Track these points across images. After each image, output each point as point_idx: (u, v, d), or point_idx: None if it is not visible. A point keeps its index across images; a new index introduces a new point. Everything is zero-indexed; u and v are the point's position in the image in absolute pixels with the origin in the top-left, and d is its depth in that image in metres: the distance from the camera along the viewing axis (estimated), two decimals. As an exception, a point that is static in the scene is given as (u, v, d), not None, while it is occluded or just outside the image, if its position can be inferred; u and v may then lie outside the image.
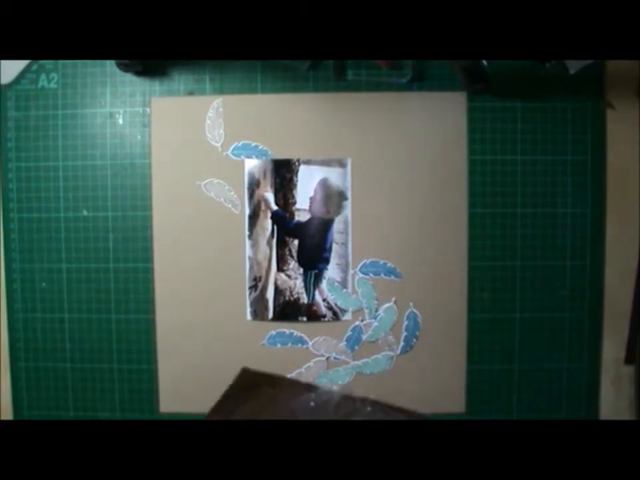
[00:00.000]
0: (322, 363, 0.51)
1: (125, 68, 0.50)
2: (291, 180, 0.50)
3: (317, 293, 0.50)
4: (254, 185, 0.51)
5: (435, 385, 0.51)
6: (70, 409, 0.52)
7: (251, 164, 0.51)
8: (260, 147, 0.51)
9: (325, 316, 0.50)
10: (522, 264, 0.50)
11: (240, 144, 0.51)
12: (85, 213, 0.52)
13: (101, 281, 0.52)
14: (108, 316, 0.52)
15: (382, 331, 0.51)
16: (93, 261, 0.52)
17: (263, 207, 0.51)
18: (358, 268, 0.51)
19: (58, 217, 0.52)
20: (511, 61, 0.49)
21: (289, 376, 0.51)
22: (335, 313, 0.51)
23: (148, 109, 0.51)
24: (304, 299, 0.50)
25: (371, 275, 0.51)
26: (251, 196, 0.51)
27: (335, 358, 0.51)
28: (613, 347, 0.51)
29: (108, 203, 0.51)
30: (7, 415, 0.53)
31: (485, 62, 0.47)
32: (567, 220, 0.50)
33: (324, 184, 0.50)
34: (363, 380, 0.51)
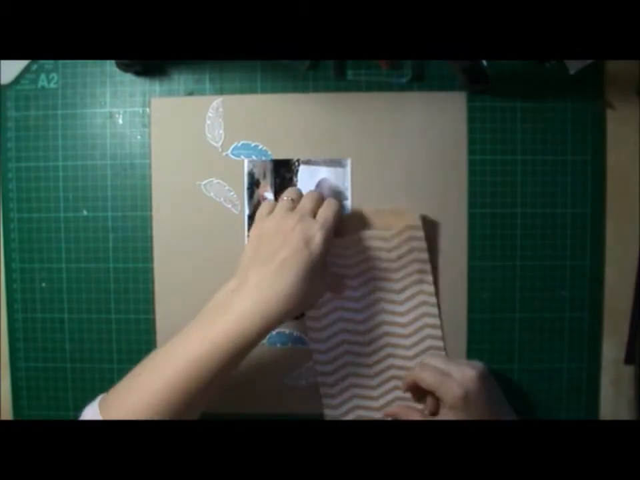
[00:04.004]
0: (322, 363, 0.51)
1: (125, 68, 0.50)
2: (291, 180, 0.51)
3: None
4: (254, 185, 0.51)
5: (434, 385, 0.51)
6: (70, 409, 0.52)
7: (251, 164, 0.51)
8: (260, 147, 0.51)
9: (324, 316, 0.50)
10: (522, 264, 0.50)
11: (240, 144, 0.51)
12: (85, 212, 0.52)
13: (100, 281, 0.52)
14: (108, 316, 0.52)
15: (382, 331, 0.51)
16: (92, 261, 0.52)
17: (262, 207, 0.51)
18: (358, 268, 0.50)
19: (58, 216, 0.52)
20: (511, 61, 0.49)
21: (288, 376, 0.51)
22: (334, 313, 0.50)
23: (148, 109, 0.51)
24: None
25: (371, 275, 0.50)
26: (251, 196, 0.51)
27: (334, 358, 0.51)
28: (613, 347, 0.51)
29: (108, 203, 0.52)
30: (7, 415, 0.53)
31: (484, 62, 0.47)
32: (567, 220, 0.50)
33: (324, 184, 0.50)
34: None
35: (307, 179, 0.50)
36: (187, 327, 0.40)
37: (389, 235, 0.48)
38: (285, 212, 0.44)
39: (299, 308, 0.40)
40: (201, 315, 0.40)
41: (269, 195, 0.51)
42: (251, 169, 0.51)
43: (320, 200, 0.46)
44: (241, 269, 0.43)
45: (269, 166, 0.51)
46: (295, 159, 0.50)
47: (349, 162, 0.50)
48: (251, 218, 0.51)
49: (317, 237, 0.41)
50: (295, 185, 0.50)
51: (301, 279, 0.39)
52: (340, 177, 0.50)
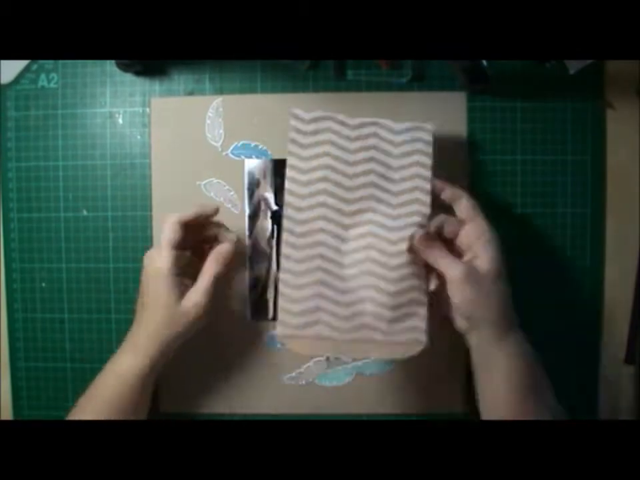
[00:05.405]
0: (322, 363, 0.51)
1: (125, 68, 0.50)
2: (291, 180, 0.50)
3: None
4: (254, 185, 0.51)
5: (434, 385, 0.51)
6: (70, 409, 0.52)
7: (251, 164, 0.51)
8: (260, 147, 0.51)
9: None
10: (522, 264, 0.50)
11: (240, 144, 0.51)
12: (85, 212, 0.52)
13: (100, 281, 0.52)
14: (108, 316, 0.52)
15: (382, 331, 0.51)
16: (92, 261, 0.52)
17: (262, 207, 0.51)
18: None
19: (58, 216, 0.52)
20: (511, 61, 0.49)
21: (288, 376, 0.51)
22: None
23: (148, 109, 0.51)
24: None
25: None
26: (251, 196, 0.51)
27: (335, 358, 0.51)
28: (612, 347, 0.51)
29: (108, 202, 0.51)
30: (7, 415, 0.53)
31: (484, 62, 0.47)
32: (567, 220, 0.50)
33: (324, 184, 0.50)
34: (363, 380, 0.51)
35: (306, 178, 0.50)
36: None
37: (399, 129, 0.43)
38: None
39: (178, 337, 0.44)
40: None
41: (269, 195, 0.51)
42: (251, 169, 0.51)
43: (181, 234, 0.44)
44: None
45: (269, 166, 0.51)
46: (295, 159, 0.50)
47: (348, 162, 0.50)
48: (252, 218, 0.51)
49: (161, 269, 0.42)
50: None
51: (161, 313, 0.43)
52: (340, 177, 0.50)
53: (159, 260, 0.42)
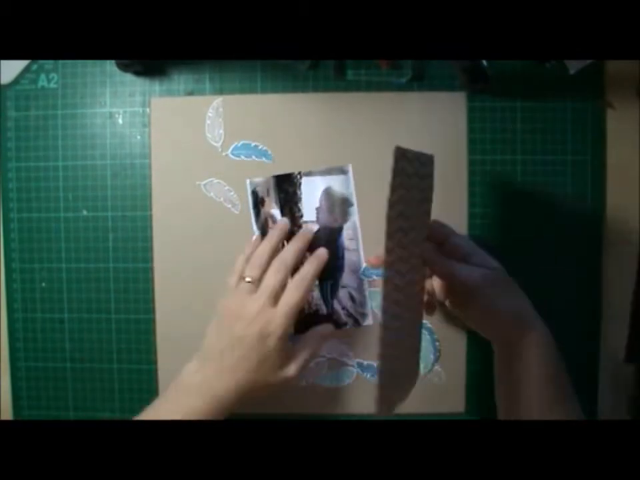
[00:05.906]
0: (322, 364, 0.51)
1: (125, 68, 0.50)
2: (295, 194, 0.50)
3: (335, 302, 0.50)
4: (259, 204, 0.50)
5: (435, 385, 0.51)
6: (70, 409, 0.52)
7: (253, 183, 0.50)
8: (260, 147, 0.51)
9: (346, 324, 0.50)
10: (522, 264, 0.50)
11: (240, 144, 0.51)
12: (85, 212, 0.52)
13: (100, 281, 0.52)
14: (108, 316, 0.52)
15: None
16: (92, 261, 0.52)
17: (270, 224, 0.50)
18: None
19: (58, 216, 0.52)
20: (511, 61, 0.49)
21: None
22: (356, 320, 0.50)
23: (148, 109, 0.51)
24: (323, 310, 0.50)
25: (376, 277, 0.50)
26: (258, 215, 0.50)
27: (336, 359, 0.51)
28: (612, 347, 0.51)
29: (108, 202, 0.52)
30: (7, 415, 0.53)
31: (484, 62, 0.47)
32: (567, 220, 0.50)
33: (328, 193, 0.50)
34: (363, 381, 0.51)
35: (310, 191, 0.50)
36: (156, 402, 0.43)
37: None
38: (245, 297, 0.42)
39: (255, 397, 0.42)
40: (169, 391, 0.43)
41: (275, 212, 0.50)
42: (255, 189, 0.50)
43: (286, 272, 0.43)
44: (203, 352, 0.43)
45: (272, 182, 0.50)
46: (297, 172, 0.50)
47: (349, 168, 0.50)
48: (264, 236, 0.49)
49: (276, 334, 0.41)
50: (300, 198, 0.50)
51: (255, 376, 0.41)
52: (343, 184, 0.50)
53: (275, 325, 0.41)
